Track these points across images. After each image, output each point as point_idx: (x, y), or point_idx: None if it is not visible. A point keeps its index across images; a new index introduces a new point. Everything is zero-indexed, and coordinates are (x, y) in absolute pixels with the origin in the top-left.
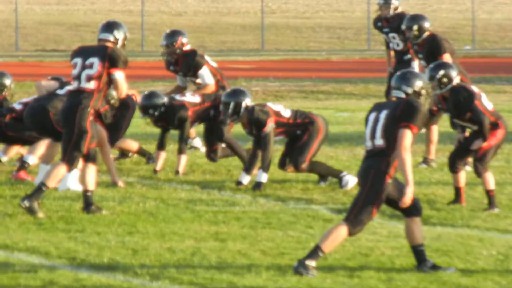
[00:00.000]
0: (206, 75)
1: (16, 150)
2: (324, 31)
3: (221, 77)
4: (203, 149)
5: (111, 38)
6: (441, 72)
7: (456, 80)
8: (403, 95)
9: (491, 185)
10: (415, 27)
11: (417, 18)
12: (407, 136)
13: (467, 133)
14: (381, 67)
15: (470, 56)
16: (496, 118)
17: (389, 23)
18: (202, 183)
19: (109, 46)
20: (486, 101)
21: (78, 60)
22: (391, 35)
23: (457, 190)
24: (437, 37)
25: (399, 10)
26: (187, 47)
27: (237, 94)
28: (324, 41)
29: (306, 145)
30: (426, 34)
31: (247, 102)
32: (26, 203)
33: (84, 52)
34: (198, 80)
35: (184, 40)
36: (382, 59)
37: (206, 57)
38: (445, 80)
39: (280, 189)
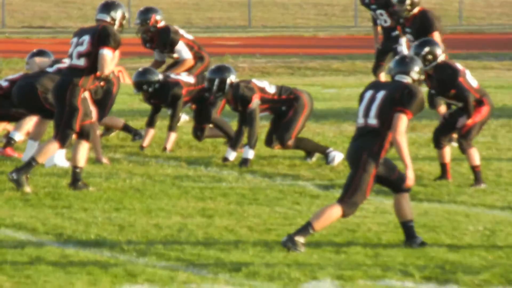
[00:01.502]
0: (183, 50)
1: (3, 126)
2: (311, 8)
3: (198, 48)
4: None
5: (108, 19)
6: (426, 49)
7: (441, 57)
8: (408, 80)
9: (477, 161)
10: (408, 1)
11: None
12: (402, 121)
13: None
14: (367, 43)
15: (457, 32)
16: (481, 95)
17: (376, 0)
18: (188, 159)
19: (101, 25)
20: (471, 78)
21: (74, 39)
22: (378, 11)
23: (443, 166)
24: (429, 14)
25: None
26: (161, 24)
27: (221, 70)
28: (311, 17)
29: (291, 122)
30: (417, 9)
31: (231, 78)
32: (14, 176)
33: (80, 32)
34: (175, 55)
35: (157, 17)
36: (368, 36)
37: (181, 31)
38: (429, 57)
39: (267, 165)
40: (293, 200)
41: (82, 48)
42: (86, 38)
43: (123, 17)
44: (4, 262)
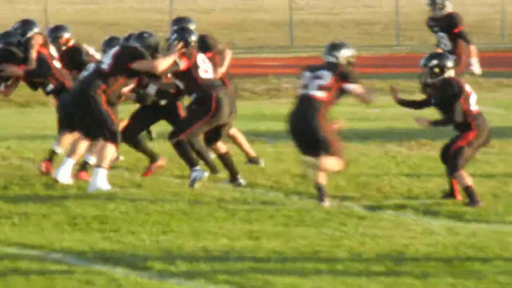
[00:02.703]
0: None
1: (69, 141)
2: (353, 27)
3: None
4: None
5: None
6: (434, 62)
7: (449, 73)
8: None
9: (468, 181)
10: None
11: None
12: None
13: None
14: (410, 62)
15: (499, 50)
16: (472, 119)
17: (439, 22)
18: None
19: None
20: (473, 102)
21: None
22: (440, 34)
23: (450, 184)
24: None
25: (449, 10)
26: (71, 43)
27: None
28: (353, 36)
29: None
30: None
31: None
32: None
33: None
34: None
35: (66, 35)
36: (410, 54)
37: (91, 51)
38: (436, 70)
39: (313, 187)
40: (339, 221)
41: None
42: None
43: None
44: (54, 286)
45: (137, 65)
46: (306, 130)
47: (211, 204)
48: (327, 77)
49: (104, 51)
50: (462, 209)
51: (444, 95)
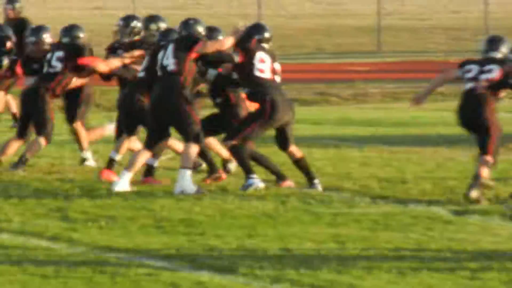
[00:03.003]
0: None
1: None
2: (441, 32)
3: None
4: (91, 163)
5: None
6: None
7: None
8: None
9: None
10: None
11: None
12: None
13: None
14: None
15: None
16: None
17: None
18: (321, 184)
19: None
20: None
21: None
22: None
23: None
24: None
25: None
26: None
27: None
28: (441, 42)
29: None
30: None
31: None
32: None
33: None
34: None
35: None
36: None
37: None
38: None
39: (399, 191)
40: (425, 226)
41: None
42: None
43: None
44: None
45: (201, 48)
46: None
47: (297, 208)
48: (495, 71)
49: (161, 41)
50: None
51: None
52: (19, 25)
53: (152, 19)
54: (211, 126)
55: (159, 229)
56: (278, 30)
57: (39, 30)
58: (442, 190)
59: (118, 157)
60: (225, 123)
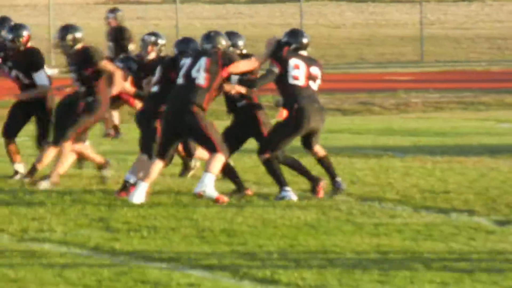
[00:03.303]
0: (42, 77)
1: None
2: (484, 42)
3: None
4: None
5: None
6: None
7: None
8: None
9: None
10: None
11: None
12: None
13: None
14: None
15: None
16: None
17: None
18: (362, 195)
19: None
20: None
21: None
22: None
23: None
24: None
25: None
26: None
27: None
28: (484, 51)
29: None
30: None
31: None
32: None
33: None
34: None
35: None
36: None
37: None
38: None
39: (442, 201)
40: (468, 236)
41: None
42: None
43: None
44: None
45: (234, 68)
46: None
47: (338, 218)
48: None
49: (179, 53)
50: None
51: None
52: (119, 32)
53: (67, 29)
54: (234, 139)
55: (201, 239)
56: (320, 40)
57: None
58: (484, 200)
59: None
60: (249, 130)
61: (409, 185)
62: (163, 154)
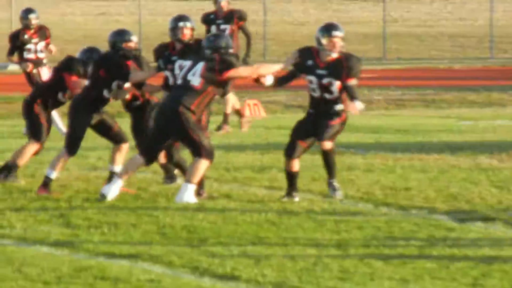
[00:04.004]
0: None
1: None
2: (446, 40)
3: None
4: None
5: None
6: None
7: None
8: None
9: None
10: None
11: None
12: None
13: None
14: (503, 75)
15: None
16: None
17: None
18: (324, 192)
19: None
20: None
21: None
22: None
23: None
24: None
25: None
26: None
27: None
28: (447, 49)
29: None
30: None
31: None
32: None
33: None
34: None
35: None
36: (505, 67)
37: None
38: None
39: (402, 198)
40: (428, 233)
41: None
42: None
43: None
44: None
45: (233, 74)
46: None
47: (300, 215)
48: None
49: (83, 61)
50: None
51: None
52: (230, 17)
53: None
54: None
55: (161, 235)
56: (284, 37)
57: None
58: (445, 197)
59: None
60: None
61: (371, 182)
62: (148, 152)
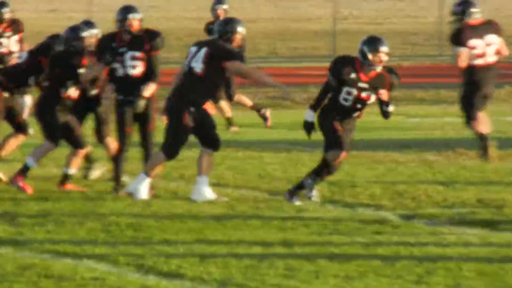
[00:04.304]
0: None
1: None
2: (396, 37)
3: None
4: None
5: None
6: None
7: None
8: None
9: None
10: None
11: None
12: None
13: None
14: (452, 72)
15: None
16: None
17: None
18: (270, 189)
19: None
20: None
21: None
22: None
23: None
24: None
25: None
26: None
27: None
28: (396, 47)
29: None
30: None
31: None
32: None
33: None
34: None
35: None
36: (453, 65)
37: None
38: None
39: (349, 195)
40: (374, 230)
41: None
42: None
43: None
44: None
45: (232, 68)
46: None
47: (246, 212)
48: None
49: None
50: (497, 218)
51: None
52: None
53: None
54: None
55: (106, 233)
56: None
57: None
58: (391, 194)
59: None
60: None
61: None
62: (169, 148)
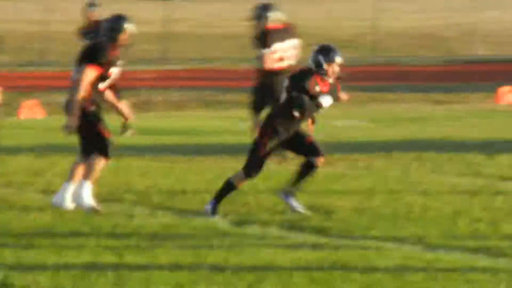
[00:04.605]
0: None
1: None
2: (230, 40)
3: None
4: None
5: None
6: None
7: None
8: None
9: None
10: None
11: None
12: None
13: None
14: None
15: (371, 64)
16: None
17: None
18: (101, 196)
19: None
20: None
21: None
22: None
23: None
24: None
25: None
26: None
27: None
28: (230, 50)
29: None
30: None
31: None
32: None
33: None
34: None
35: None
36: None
37: None
38: None
39: (179, 201)
40: (204, 237)
41: None
42: None
43: None
44: None
45: None
46: None
47: (76, 220)
48: None
49: None
50: (327, 224)
51: None
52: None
53: None
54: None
55: None
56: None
57: None
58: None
59: None
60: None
61: (147, 185)
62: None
